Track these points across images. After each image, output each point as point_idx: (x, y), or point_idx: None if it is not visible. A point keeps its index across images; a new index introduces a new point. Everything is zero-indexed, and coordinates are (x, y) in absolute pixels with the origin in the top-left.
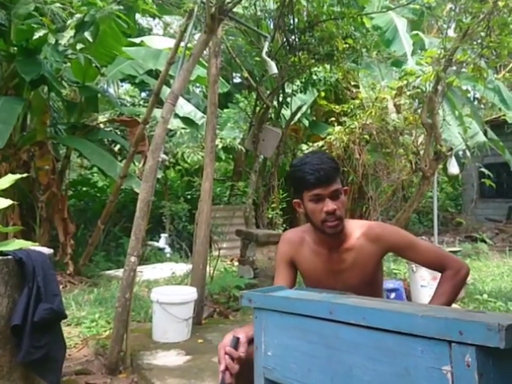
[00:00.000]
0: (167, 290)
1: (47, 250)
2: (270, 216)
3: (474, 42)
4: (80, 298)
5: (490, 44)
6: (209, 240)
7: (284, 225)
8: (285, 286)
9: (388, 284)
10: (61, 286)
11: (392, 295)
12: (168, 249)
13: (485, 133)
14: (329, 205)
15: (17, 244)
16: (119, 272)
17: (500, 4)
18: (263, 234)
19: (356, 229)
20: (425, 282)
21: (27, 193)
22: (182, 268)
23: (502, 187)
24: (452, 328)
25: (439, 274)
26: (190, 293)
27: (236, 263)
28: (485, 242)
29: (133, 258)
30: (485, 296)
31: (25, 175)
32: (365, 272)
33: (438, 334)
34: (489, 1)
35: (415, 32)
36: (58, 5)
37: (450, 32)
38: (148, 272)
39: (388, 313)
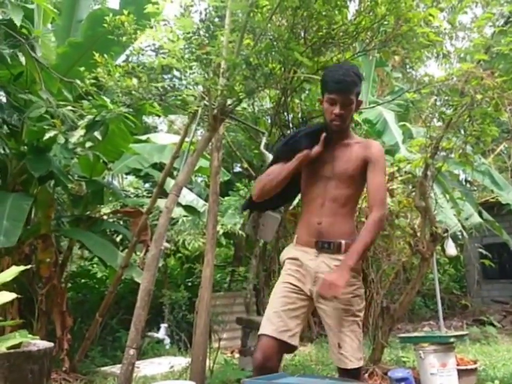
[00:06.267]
0: None
1: (48, 344)
2: None
3: (459, 131)
4: None
5: (474, 132)
6: (209, 330)
7: None
8: (286, 374)
9: (397, 372)
10: None
11: None
12: (167, 340)
13: (480, 214)
14: (337, 110)
15: (18, 339)
16: (115, 369)
17: (478, 97)
18: None
19: (357, 137)
20: (435, 370)
21: (27, 287)
22: (181, 361)
23: (504, 267)
24: None
25: (448, 361)
26: None
27: (237, 355)
28: (493, 325)
29: (131, 351)
30: (497, 382)
31: (28, 266)
32: (348, 166)
33: None
34: (469, 95)
35: (402, 123)
36: (69, 108)
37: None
38: (145, 367)
39: None
